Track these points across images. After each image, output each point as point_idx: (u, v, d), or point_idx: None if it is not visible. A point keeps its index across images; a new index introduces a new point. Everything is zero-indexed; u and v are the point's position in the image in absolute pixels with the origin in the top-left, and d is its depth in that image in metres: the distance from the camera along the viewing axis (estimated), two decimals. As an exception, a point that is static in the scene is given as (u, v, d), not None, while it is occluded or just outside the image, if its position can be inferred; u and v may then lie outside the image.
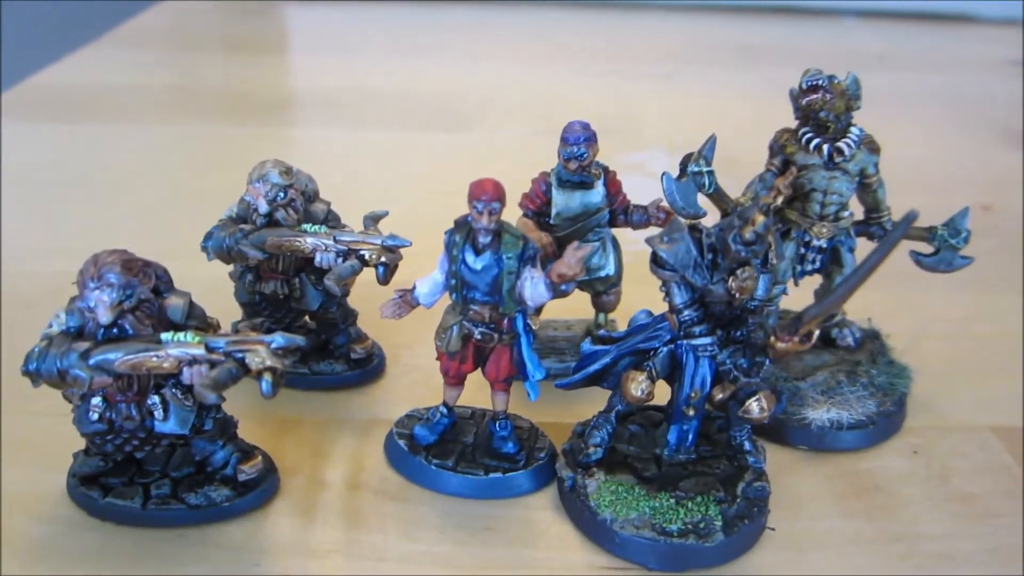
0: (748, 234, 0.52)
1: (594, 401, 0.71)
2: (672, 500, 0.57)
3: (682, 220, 0.56)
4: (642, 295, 0.85)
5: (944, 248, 0.69)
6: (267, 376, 0.50)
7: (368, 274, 0.66)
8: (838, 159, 0.66)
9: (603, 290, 0.72)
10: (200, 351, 0.51)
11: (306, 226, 0.65)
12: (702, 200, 0.66)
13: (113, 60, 1.60)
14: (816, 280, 0.73)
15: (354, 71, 1.59)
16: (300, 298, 0.68)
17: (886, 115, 1.43)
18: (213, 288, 0.67)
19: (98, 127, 1.29)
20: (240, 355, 0.51)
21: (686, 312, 0.56)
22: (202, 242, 0.67)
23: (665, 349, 0.57)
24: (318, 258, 0.64)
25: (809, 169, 0.67)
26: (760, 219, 0.52)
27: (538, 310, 0.72)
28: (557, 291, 0.55)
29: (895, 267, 0.77)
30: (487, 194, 0.54)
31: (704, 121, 1.39)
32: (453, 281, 0.58)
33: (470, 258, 0.56)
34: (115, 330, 0.53)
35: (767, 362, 0.56)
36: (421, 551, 0.57)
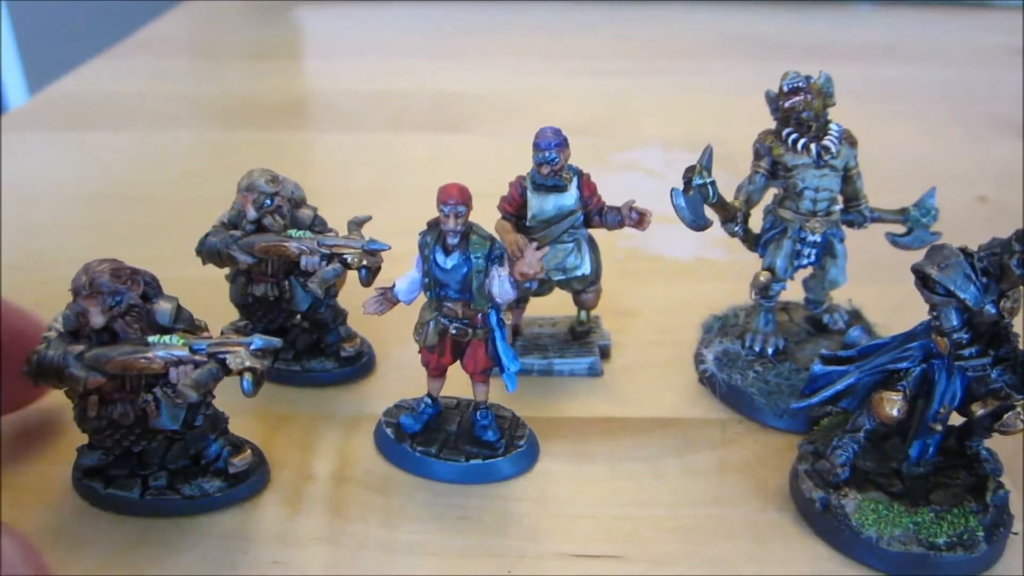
0: None
1: (575, 395, 0.74)
2: (931, 514, 0.58)
3: (953, 247, 0.56)
4: (632, 291, 0.89)
5: (916, 227, 0.72)
6: (247, 376, 0.54)
7: (354, 275, 0.69)
8: (826, 157, 0.68)
9: (581, 289, 0.74)
10: (184, 352, 0.55)
11: (292, 231, 0.68)
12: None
13: (129, 67, 1.65)
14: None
15: (365, 73, 1.62)
16: (290, 300, 0.72)
17: (888, 107, 1.44)
18: (216, 290, 0.71)
19: (116, 135, 1.33)
20: (222, 356, 0.55)
21: (957, 335, 0.56)
22: (196, 247, 0.71)
23: (919, 369, 0.59)
24: (303, 261, 0.68)
25: (800, 168, 0.69)
26: None
27: (522, 304, 0.75)
28: (521, 288, 0.58)
29: (877, 260, 0.79)
30: (453, 198, 0.57)
31: (700, 117, 1.41)
32: (427, 280, 0.61)
33: (440, 258, 0.59)
34: (106, 334, 0.56)
35: None
36: (400, 539, 0.60)
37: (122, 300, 0.56)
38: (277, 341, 0.56)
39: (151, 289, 0.58)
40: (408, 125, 1.38)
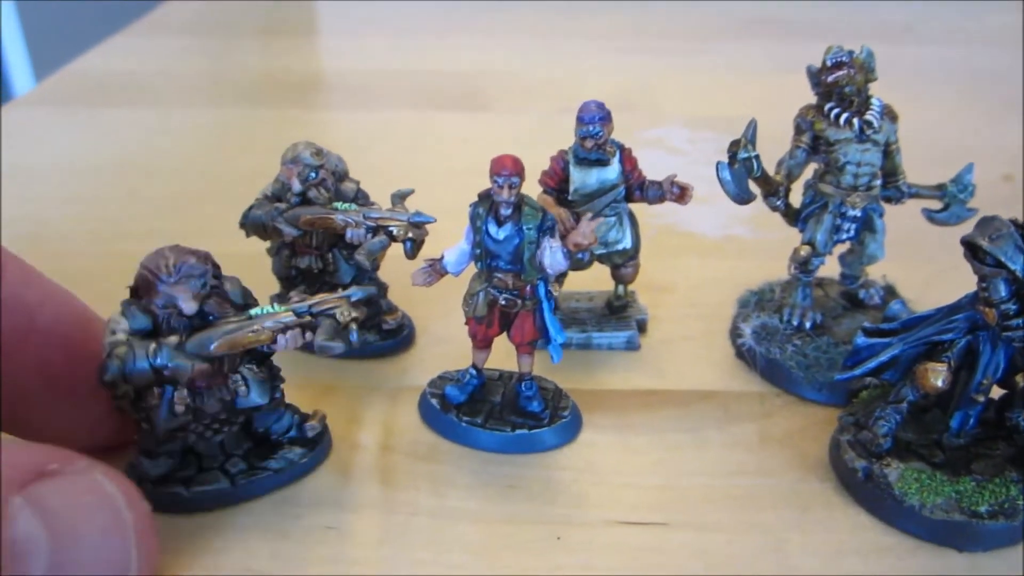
0: None
1: (614, 368, 0.75)
2: (973, 483, 0.59)
3: (1003, 218, 0.57)
4: (666, 266, 0.89)
5: (953, 203, 0.73)
6: (353, 326, 0.55)
7: (398, 249, 0.69)
8: (868, 131, 0.68)
9: (621, 263, 0.75)
10: (290, 318, 0.55)
11: (337, 204, 0.69)
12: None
13: (145, 46, 1.64)
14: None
15: (380, 51, 1.62)
16: (334, 272, 0.72)
17: (910, 87, 1.44)
18: (247, 265, 0.71)
19: (132, 112, 1.33)
20: (330, 312, 0.55)
21: (1005, 305, 0.57)
22: (240, 220, 0.71)
23: (964, 340, 0.60)
24: (349, 234, 0.68)
25: (842, 143, 0.69)
26: None
27: (560, 279, 0.76)
28: (573, 259, 0.59)
29: (909, 237, 0.79)
30: (507, 169, 0.57)
31: (721, 96, 1.41)
32: (478, 251, 0.61)
33: (493, 229, 0.60)
34: (197, 318, 0.55)
35: None
36: (451, 506, 0.61)
37: (206, 281, 0.54)
38: (372, 289, 0.57)
39: (216, 268, 0.57)
40: (429, 103, 1.38)
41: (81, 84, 1.45)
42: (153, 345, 0.53)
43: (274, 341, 0.55)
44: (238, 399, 0.58)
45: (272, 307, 0.55)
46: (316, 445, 0.63)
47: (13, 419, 0.56)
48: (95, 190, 1.08)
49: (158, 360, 0.53)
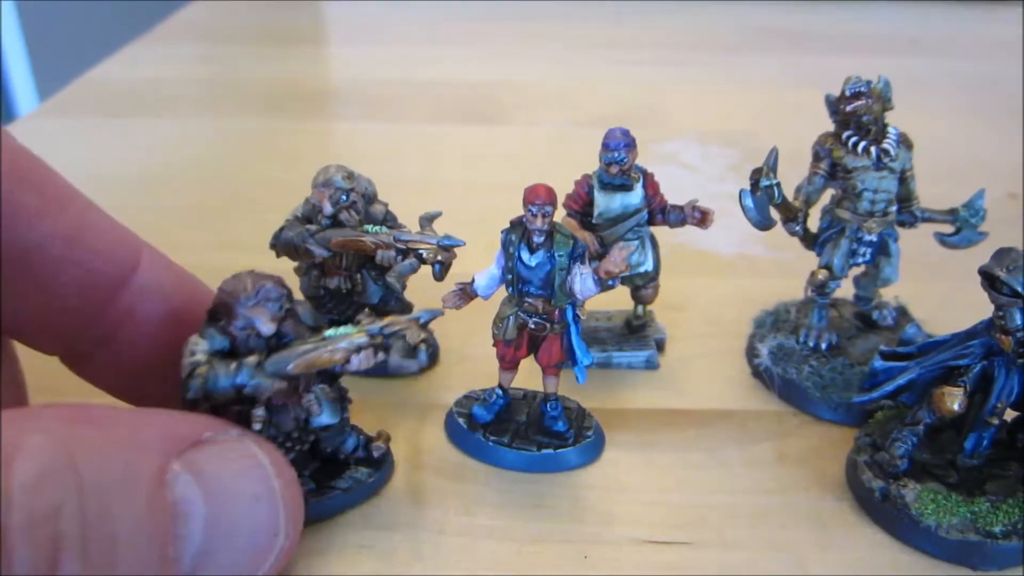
0: None
1: (635, 387, 0.77)
2: (987, 504, 0.61)
3: (1019, 249, 0.59)
4: (681, 286, 0.91)
5: (965, 227, 0.75)
6: (422, 347, 0.59)
7: (424, 269, 0.71)
8: (885, 159, 0.70)
9: (642, 284, 0.77)
10: (364, 339, 0.56)
11: (368, 227, 0.70)
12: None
13: (158, 56, 1.66)
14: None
15: (392, 62, 1.64)
16: (362, 292, 0.74)
17: (917, 101, 1.46)
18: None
19: (145, 123, 1.35)
20: (401, 334, 0.57)
21: (1021, 333, 0.59)
22: (271, 240, 0.73)
23: (979, 366, 0.62)
24: (379, 256, 0.70)
25: (859, 171, 0.71)
26: None
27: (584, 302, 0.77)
28: (604, 286, 0.60)
29: (921, 258, 0.81)
30: (541, 199, 0.59)
31: (731, 109, 1.43)
32: (509, 276, 0.63)
33: (525, 256, 0.61)
34: (274, 339, 0.57)
35: None
36: (480, 524, 0.63)
37: (282, 304, 0.56)
38: (438, 311, 0.58)
39: (290, 292, 0.58)
40: (445, 115, 1.40)
41: (93, 95, 1.46)
42: (234, 365, 0.55)
43: (348, 361, 0.56)
44: (311, 418, 0.60)
45: (346, 328, 0.56)
46: (381, 465, 0.65)
47: (152, 397, 0.58)
48: (110, 202, 1.09)
49: (239, 379, 0.54)
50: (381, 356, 0.56)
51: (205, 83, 1.53)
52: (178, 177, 1.17)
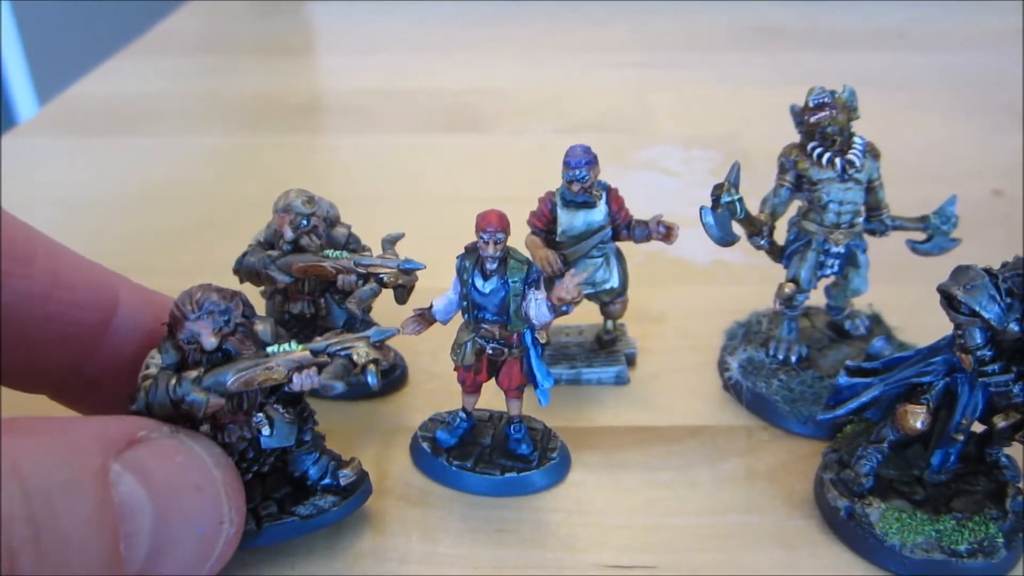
0: None
1: (603, 404, 0.76)
2: (953, 522, 0.60)
3: (978, 267, 0.58)
4: (655, 296, 0.90)
5: (936, 234, 0.74)
6: (371, 368, 0.55)
7: (389, 292, 0.70)
8: (850, 171, 0.69)
9: (609, 300, 0.76)
10: (306, 356, 0.55)
11: (329, 252, 0.70)
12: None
13: (143, 69, 1.65)
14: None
15: (375, 70, 1.63)
16: (326, 317, 0.73)
17: (903, 96, 1.44)
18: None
19: (132, 140, 1.34)
20: (345, 352, 0.56)
21: (981, 352, 0.58)
22: (234, 266, 0.72)
23: (942, 382, 0.61)
24: (340, 280, 0.69)
25: (824, 183, 0.70)
26: None
27: (545, 326, 0.76)
28: (558, 312, 0.60)
29: (895, 260, 0.80)
30: (492, 225, 0.58)
31: (715, 110, 1.42)
32: (465, 303, 0.62)
33: (479, 282, 0.61)
34: (219, 354, 0.55)
35: None
36: (441, 553, 0.62)
37: (230, 319, 0.55)
38: (394, 329, 0.57)
39: (248, 309, 0.57)
40: (426, 125, 1.39)
41: (80, 110, 1.46)
42: (174, 379, 0.54)
43: (290, 380, 0.55)
44: (262, 438, 0.58)
45: (290, 345, 0.55)
46: (351, 494, 0.62)
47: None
48: (86, 227, 1.09)
49: (177, 392, 0.54)
50: (348, 365, 0.56)
51: (186, 97, 1.52)
52: (156, 199, 1.16)
